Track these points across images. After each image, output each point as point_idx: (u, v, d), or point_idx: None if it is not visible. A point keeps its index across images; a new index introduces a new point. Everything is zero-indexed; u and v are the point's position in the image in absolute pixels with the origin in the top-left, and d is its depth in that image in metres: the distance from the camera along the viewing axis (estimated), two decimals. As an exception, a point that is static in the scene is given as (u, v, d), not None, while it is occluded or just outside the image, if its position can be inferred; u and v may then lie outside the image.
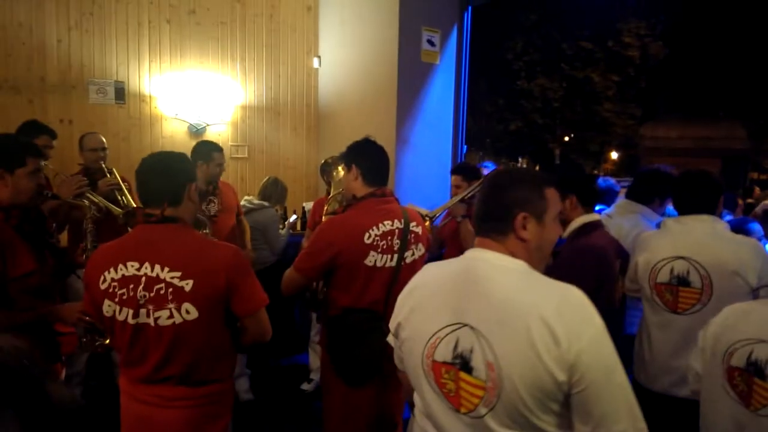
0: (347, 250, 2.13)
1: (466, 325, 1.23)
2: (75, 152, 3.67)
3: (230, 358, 1.88)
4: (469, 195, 3.37)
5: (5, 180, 1.98)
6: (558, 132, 23.40)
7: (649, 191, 3.00)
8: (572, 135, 23.92)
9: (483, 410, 1.19)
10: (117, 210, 2.97)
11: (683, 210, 2.33)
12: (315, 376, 4.04)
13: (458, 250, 2.93)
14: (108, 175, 3.36)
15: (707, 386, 1.71)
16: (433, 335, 1.28)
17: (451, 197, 3.57)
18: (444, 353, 1.25)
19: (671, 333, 2.26)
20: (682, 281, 2.21)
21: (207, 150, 3.45)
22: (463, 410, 1.22)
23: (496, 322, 1.18)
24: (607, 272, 2.23)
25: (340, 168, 2.93)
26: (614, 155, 27.00)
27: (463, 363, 1.22)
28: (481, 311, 1.21)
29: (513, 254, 1.28)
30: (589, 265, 2.19)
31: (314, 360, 4.06)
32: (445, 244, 3.60)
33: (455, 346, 1.23)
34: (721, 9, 19.76)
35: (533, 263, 1.29)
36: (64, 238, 3.45)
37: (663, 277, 2.27)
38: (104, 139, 3.65)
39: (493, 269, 1.26)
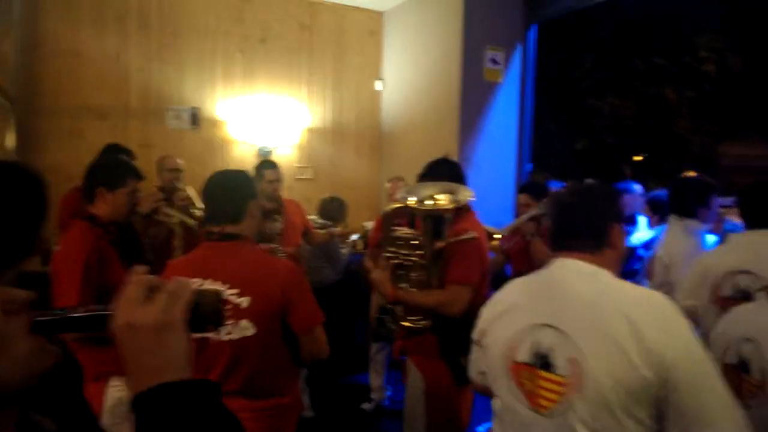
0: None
1: (548, 325, 1.25)
2: (154, 174, 3.88)
3: (291, 373, 1.90)
4: (539, 214, 3.31)
5: (106, 198, 2.13)
6: (630, 151, 22.46)
7: (684, 200, 2.94)
8: (646, 155, 22.90)
9: (562, 407, 1.17)
10: (190, 221, 3.14)
11: (748, 223, 2.23)
12: (375, 395, 4.02)
13: (527, 267, 2.82)
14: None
15: None
16: (514, 336, 1.31)
17: (518, 216, 3.50)
18: (524, 354, 1.28)
19: None
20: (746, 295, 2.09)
21: (259, 168, 3.63)
22: (542, 410, 1.21)
23: (581, 322, 1.20)
24: None
25: None
26: (691, 175, 25.60)
27: (543, 363, 1.24)
28: (566, 312, 1.24)
29: (604, 266, 1.30)
30: None
31: (375, 379, 4.05)
32: (511, 262, 3.54)
33: (536, 346, 1.26)
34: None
35: (617, 270, 1.33)
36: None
37: (726, 291, 2.16)
38: (180, 161, 3.87)
39: (578, 275, 1.28)
